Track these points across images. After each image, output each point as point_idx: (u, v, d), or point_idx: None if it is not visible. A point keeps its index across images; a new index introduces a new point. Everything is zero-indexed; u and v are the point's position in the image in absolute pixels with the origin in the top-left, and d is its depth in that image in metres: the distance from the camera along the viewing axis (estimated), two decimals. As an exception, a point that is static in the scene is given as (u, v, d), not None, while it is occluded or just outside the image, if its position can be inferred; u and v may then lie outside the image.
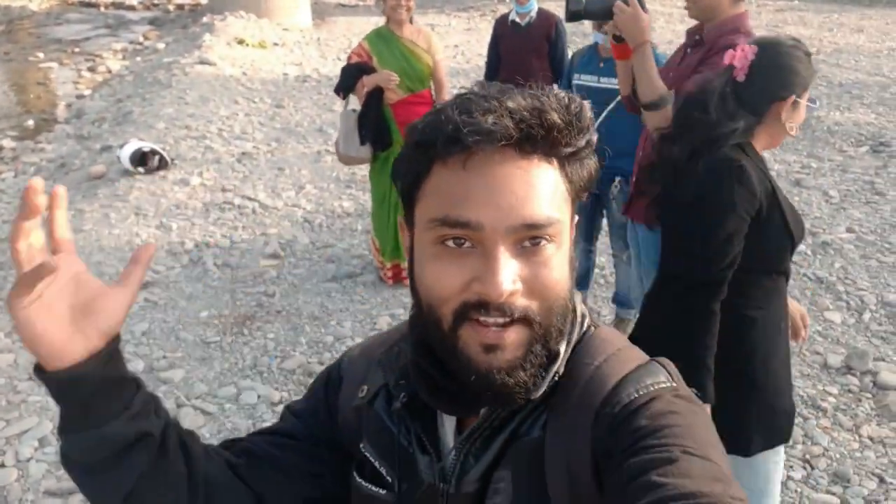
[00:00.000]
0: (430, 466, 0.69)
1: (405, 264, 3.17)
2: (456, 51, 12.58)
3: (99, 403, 0.62)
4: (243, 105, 8.18)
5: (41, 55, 13.72)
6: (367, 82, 3.58)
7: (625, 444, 0.60)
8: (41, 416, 2.76)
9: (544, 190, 0.61)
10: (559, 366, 0.66)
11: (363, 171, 5.90)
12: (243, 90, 9.01)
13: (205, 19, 15.59)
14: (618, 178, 3.15)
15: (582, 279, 3.69)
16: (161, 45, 13.92)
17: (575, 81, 3.25)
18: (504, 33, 4.35)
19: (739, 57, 1.54)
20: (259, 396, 2.91)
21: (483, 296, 0.59)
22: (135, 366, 3.10)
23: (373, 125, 3.61)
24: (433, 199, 0.62)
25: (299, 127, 7.46)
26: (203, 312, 3.56)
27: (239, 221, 4.73)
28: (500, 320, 0.59)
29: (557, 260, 0.62)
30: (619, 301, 3.49)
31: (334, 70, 10.54)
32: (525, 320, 0.61)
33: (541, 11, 4.26)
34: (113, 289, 0.62)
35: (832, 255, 4.37)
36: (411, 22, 3.71)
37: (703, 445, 0.58)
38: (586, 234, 3.55)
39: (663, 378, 0.66)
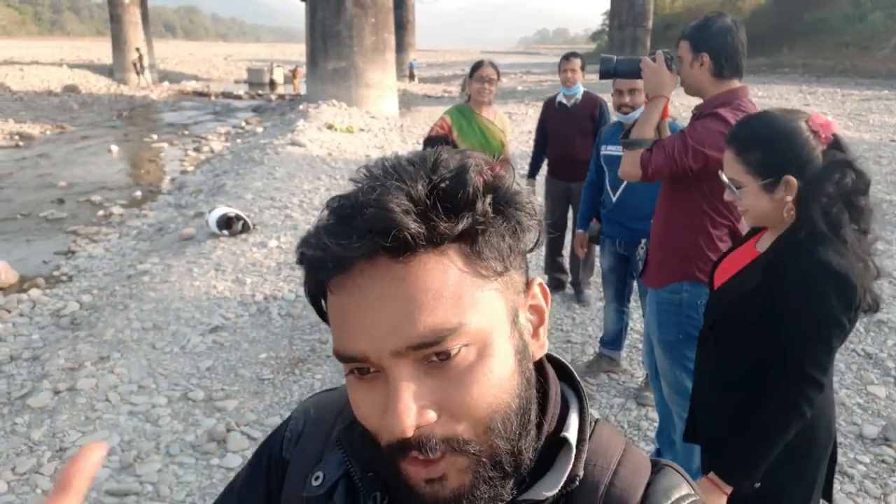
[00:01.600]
0: None
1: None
2: (530, 136, 13.14)
3: None
4: (325, 181, 8.87)
5: (155, 137, 15.32)
6: None
7: None
8: (111, 431, 3.13)
9: (433, 295, 0.49)
10: (578, 469, 0.57)
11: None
12: (327, 168, 9.76)
13: (301, 107, 16.97)
14: (643, 241, 3.34)
15: (615, 340, 3.82)
16: (260, 129, 15.25)
17: (602, 152, 3.52)
18: (551, 113, 4.70)
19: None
20: (300, 427, 3.19)
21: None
22: (195, 395, 3.46)
23: None
24: (331, 325, 0.54)
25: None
26: (262, 354, 3.92)
27: (305, 279, 5.15)
28: (425, 455, 0.51)
29: (481, 368, 0.51)
30: (650, 362, 3.58)
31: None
32: (453, 445, 0.51)
33: (586, 94, 4.60)
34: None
35: (886, 333, 4.30)
36: (490, 105, 4.06)
37: None
38: (617, 295, 3.71)
39: (686, 489, 0.60)
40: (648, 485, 0.59)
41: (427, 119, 17.36)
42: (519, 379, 0.54)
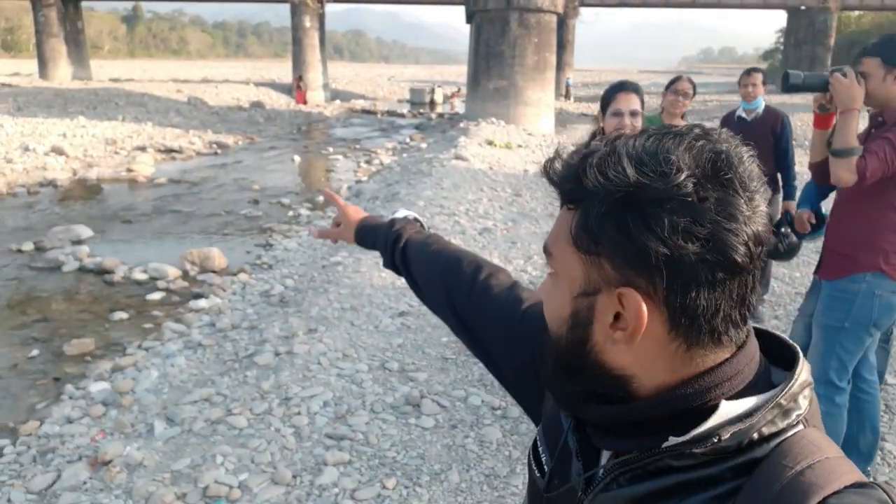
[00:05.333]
0: (579, 473, 0.70)
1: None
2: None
3: (367, 241, 1.32)
4: (487, 192, 9.33)
5: (331, 149, 16.70)
6: None
7: None
8: (325, 388, 3.66)
9: (555, 225, 0.66)
10: (721, 432, 0.58)
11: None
12: (488, 181, 10.23)
13: (462, 124, 17.73)
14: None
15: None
16: (424, 145, 16.15)
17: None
18: (729, 126, 4.74)
19: None
20: (483, 401, 3.54)
21: None
22: (391, 365, 3.94)
23: None
24: None
25: (533, 212, 8.33)
26: (444, 338, 4.34)
27: (477, 278, 5.56)
28: None
29: (553, 292, 0.67)
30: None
31: (571, 168, 11.46)
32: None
33: (768, 108, 4.62)
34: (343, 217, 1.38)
35: None
36: (683, 118, 4.23)
37: None
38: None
39: None
40: (835, 493, 0.54)
41: (584, 137, 17.46)
42: (567, 331, 0.64)
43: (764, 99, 4.61)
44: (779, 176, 4.56)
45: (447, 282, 1.08)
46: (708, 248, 0.55)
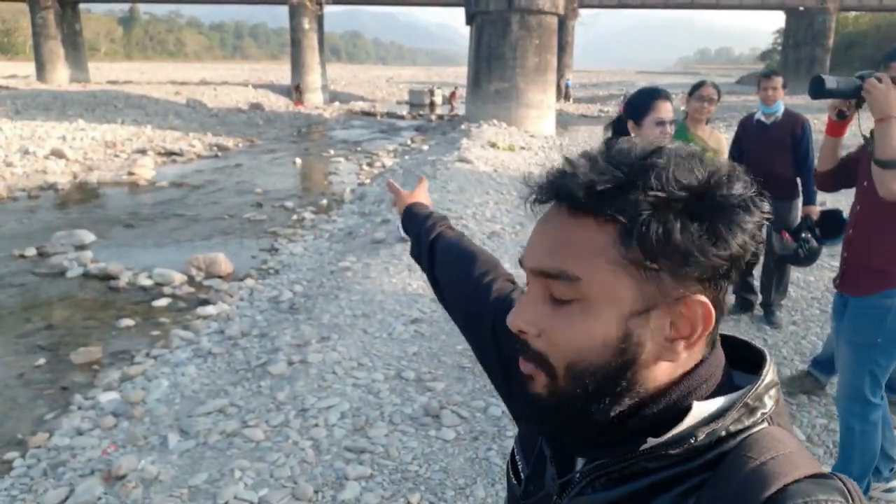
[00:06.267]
0: (553, 479, 0.71)
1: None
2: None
3: (406, 220, 1.33)
4: (493, 195, 9.26)
5: (332, 151, 16.63)
6: None
7: None
8: (341, 398, 3.58)
9: (571, 243, 0.60)
10: (697, 432, 0.60)
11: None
12: (494, 184, 10.16)
13: (463, 126, 17.65)
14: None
15: (830, 364, 3.70)
16: (425, 147, 16.08)
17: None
18: (748, 130, 4.69)
19: None
20: (503, 412, 3.47)
21: None
22: (407, 374, 3.86)
23: None
24: None
25: (540, 215, 8.26)
26: (458, 346, 4.27)
27: (489, 284, 5.48)
28: (523, 353, 0.64)
29: (581, 321, 0.60)
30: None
31: (576, 170, 11.41)
32: (541, 360, 0.62)
33: (787, 111, 4.55)
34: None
35: None
36: (707, 123, 4.15)
37: None
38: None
39: (839, 499, 0.54)
40: (794, 482, 0.55)
41: (586, 138, 17.40)
42: (612, 357, 0.60)
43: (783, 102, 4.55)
44: (798, 180, 4.50)
45: (458, 279, 1.09)
46: (753, 252, 0.60)
